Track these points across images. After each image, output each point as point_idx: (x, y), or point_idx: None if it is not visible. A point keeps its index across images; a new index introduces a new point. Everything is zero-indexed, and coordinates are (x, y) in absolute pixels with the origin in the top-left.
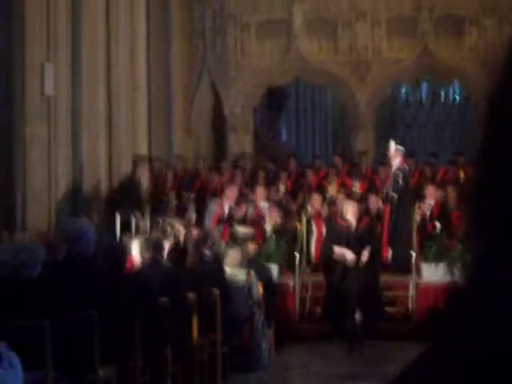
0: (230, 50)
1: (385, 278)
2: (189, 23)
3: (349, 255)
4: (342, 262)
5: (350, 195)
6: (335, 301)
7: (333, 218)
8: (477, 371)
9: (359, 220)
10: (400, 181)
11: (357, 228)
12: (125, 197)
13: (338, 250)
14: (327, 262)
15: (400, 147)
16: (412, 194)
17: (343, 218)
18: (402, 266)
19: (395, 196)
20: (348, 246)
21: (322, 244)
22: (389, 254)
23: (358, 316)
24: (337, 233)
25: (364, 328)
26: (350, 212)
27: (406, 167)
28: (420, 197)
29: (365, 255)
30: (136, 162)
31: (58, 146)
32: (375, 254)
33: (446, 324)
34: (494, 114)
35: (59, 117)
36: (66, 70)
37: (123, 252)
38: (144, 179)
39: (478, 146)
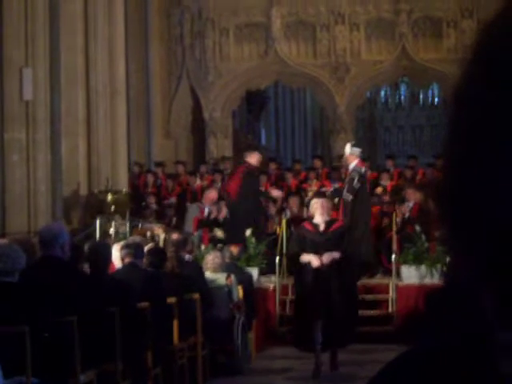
0: (209, 54)
1: (365, 281)
2: (167, 27)
3: (314, 262)
4: (311, 268)
5: (321, 194)
6: (302, 311)
7: (300, 222)
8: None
9: (330, 222)
10: (355, 182)
11: (326, 230)
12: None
13: (304, 256)
14: (295, 269)
15: (356, 149)
16: (368, 194)
17: (310, 221)
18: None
19: (350, 197)
20: (316, 251)
21: (286, 251)
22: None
23: (319, 337)
24: (301, 238)
25: (337, 338)
26: (318, 211)
27: (362, 169)
28: (400, 199)
29: (326, 258)
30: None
31: (36, 151)
32: (349, 258)
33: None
34: (460, 106)
35: (38, 121)
36: (45, 75)
37: (108, 251)
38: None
39: (445, 140)
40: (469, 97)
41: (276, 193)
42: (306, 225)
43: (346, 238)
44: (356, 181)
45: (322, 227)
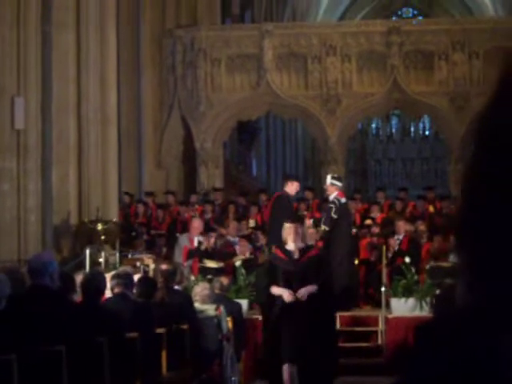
0: (201, 84)
1: (354, 313)
2: (159, 57)
3: (286, 296)
4: (283, 302)
5: (298, 218)
6: (272, 350)
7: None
8: None
9: (305, 249)
10: (333, 212)
11: (300, 259)
12: None
13: (275, 289)
14: (263, 303)
15: (337, 182)
16: (348, 226)
17: (282, 248)
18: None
19: (326, 228)
20: (288, 282)
21: (255, 283)
22: None
23: (293, 370)
24: (272, 267)
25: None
26: (290, 236)
27: (342, 200)
28: (390, 231)
29: (303, 295)
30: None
31: (27, 179)
32: (325, 290)
33: (410, 357)
34: (486, 142)
35: (29, 150)
36: (36, 104)
37: (103, 280)
38: None
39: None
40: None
41: (309, 222)
42: (278, 252)
43: (324, 267)
44: (334, 211)
45: (295, 255)
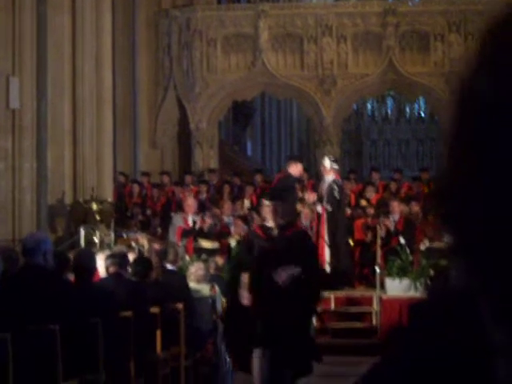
0: (196, 65)
1: (349, 293)
2: (155, 38)
3: (245, 298)
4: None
5: (276, 195)
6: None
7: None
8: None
9: (286, 226)
10: (336, 193)
11: (280, 237)
12: None
13: (242, 293)
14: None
15: (335, 164)
16: (345, 206)
17: (262, 225)
18: (342, 279)
19: (329, 208)
20: (266, 263)
21: (229, 268)
22: (327, 267)
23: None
24: (249, 246)
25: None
26: (268, 215)
27: (340, 181)
28: (384, 212)
29: (284, 279)
30: None
31: (22, 159)
32: (311, 272)
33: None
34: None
35: (24, 130)
36: (32, 84)
37: (93, 260)
38: None
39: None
40: (473, 96)
41: (311, 198)
42: (256, 229)
43: (307, 247)
44: (336, 192)
45: (274, 232)
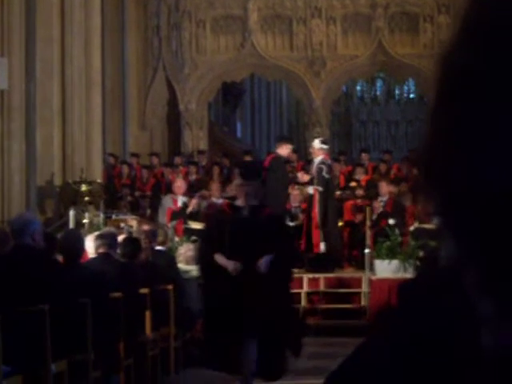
0: (185, 46)
1: (338, 275)
2: (144, 18)
3: (231, 269)
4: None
5: (249, 173)
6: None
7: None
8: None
9: (257, 207)
10: (324, 173)
11: (251, 217)
12: None
13: (219, 258)
14: (206, 270)
15: (324, 145)
16: (334, 186)
17: (231, 204)
18: (335, 259)
19: (320, 189)
20: (234, 244)
21: (199, 247)
22: (321, 247)
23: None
24: (216, 228)
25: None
26: (240, 194)
27: (329, 161)
28: (374, 193)
29: (262, 267)
30: None
31: (11, 140)
32: (285, 258)
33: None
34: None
35: (13, 111)
36: (20, 65)
37: (80, 240)
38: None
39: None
40: (456, 65)
41: (305, 177)
42: (224, 206)
43: (283, 231)
44: (325, 171)
45: (245, 212)
